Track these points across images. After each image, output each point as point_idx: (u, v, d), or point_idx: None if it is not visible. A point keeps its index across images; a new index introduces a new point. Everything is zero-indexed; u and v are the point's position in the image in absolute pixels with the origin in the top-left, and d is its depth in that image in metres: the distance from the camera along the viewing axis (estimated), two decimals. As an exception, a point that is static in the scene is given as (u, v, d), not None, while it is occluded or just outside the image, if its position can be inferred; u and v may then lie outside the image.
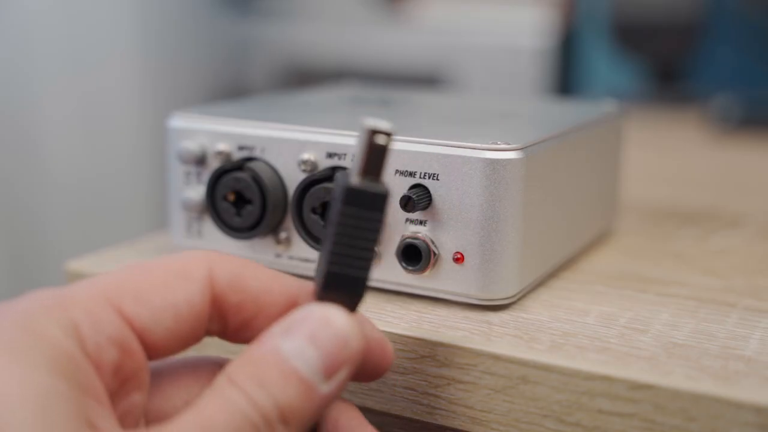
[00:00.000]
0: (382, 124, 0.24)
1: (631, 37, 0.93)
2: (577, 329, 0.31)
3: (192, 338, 0.25)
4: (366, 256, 0.24)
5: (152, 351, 0.24)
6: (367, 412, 0.31)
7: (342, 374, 0.23)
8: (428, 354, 0.30)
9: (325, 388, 0.23)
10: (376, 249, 0.25)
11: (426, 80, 1.07)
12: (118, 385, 0.23)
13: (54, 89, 1.00)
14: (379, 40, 1.11)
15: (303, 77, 1.14)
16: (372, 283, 0.33)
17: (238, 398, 0.22)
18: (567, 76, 0.98)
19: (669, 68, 0.94)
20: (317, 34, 1.15)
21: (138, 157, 1.09)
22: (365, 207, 0.24)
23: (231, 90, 1.19)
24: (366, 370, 0.26)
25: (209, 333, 0.25)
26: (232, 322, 0.25)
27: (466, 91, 1.04)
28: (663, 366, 0.28)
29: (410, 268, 0.32)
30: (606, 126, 0.41)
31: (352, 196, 0.24)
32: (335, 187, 0.25)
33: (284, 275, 0.26)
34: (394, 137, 0.24)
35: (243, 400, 0.22)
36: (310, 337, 0.23)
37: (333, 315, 0.24)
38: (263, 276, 0.26)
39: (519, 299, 0.33)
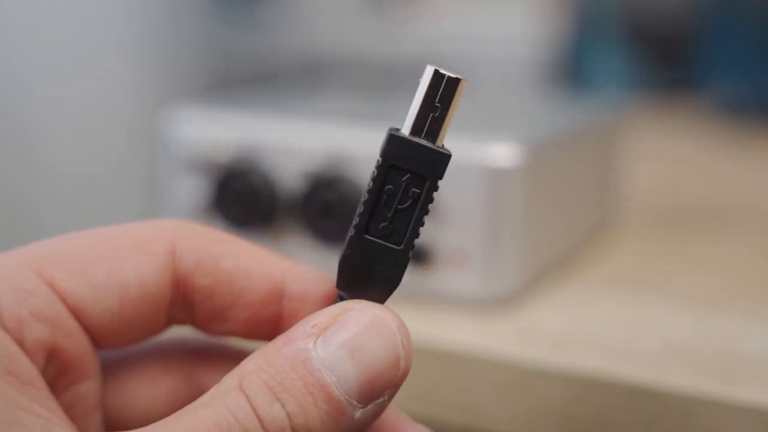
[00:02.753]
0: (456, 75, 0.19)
1: (638, 28, 0.93)
2: (577, 329, 0.31)
3: (148, 327, 0.20)
4: (418, 232, 0.20)
5: (96, 338, 0.20)
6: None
7: (382, 400, 0.18)
8: (428, 354, 0.30)
9: (359, 414, 0.18)
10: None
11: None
12: (57, 371, 0.19)
13: (50, 89, 1.00)
14: (379, 41, 1.11)
15: (300, 77, 1.14)
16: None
17: (244, 413, 0.17)
18: (572, 70, 0.98)
19: (674, 64, 0.94)
20: (314, 35, 1.15)
21: (135, 156, 1.09)
22: (442, 176, 0.19)
23: (229, 89, 1.19)
24: None
25: (174, 321, 0.21)
26: (201, 310, 0.21)
27: (466, 90, 1.03)
28: (663, 366, 0.28)
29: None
30: (608, 125, 0.41)
31: (445, 167, 0.19)
32: (412, 156, 0.19)
33: (268, 253, 0.21)
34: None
35: (250, 417, 0.17)
36: (352, 347, 0.18)
37: (387, 321, 0.18)
38: (241, 254, 0.21)
39: (519, 299, 0.33)
